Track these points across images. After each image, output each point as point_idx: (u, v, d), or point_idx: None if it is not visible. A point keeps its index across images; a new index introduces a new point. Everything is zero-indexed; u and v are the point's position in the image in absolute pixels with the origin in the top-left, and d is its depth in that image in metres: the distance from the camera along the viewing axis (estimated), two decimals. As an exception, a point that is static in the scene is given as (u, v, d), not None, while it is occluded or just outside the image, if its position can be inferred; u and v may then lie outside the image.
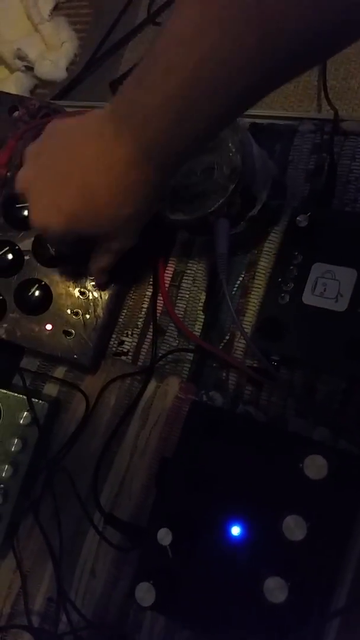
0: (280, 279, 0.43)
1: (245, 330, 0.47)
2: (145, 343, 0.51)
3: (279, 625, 0.34)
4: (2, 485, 0.48)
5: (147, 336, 0.51)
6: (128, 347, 0.52)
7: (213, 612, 0.36)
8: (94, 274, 0.48)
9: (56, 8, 0.74)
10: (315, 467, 0.35)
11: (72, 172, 0.37)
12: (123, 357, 0.51)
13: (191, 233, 0.49)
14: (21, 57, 0.71)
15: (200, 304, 0.49)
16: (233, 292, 0.48)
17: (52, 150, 0.39)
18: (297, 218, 0.42)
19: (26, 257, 0.51)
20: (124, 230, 0.40)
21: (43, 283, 0.50)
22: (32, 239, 0.51)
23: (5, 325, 0.50)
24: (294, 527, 0.34)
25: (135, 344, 0.51)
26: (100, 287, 0.50)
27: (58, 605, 0.47)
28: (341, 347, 0.40)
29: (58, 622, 0.47)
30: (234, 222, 0.43)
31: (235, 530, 0.37)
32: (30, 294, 0.50)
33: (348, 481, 0.35)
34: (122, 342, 0.52)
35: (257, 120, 0.51)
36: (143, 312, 0.52)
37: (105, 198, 0.36)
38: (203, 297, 0.50)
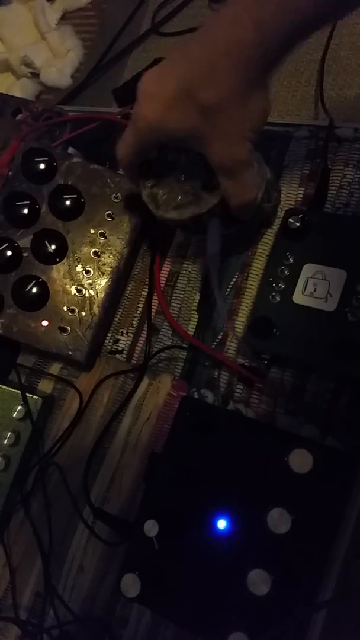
0: (271, 279, 0.44)
1: (238, 330, 0.48)
2: (140, 342, 0.52)
3: (262, 618, 0.34)
4: (-6, 479, 0.49)
5: (142, 335, 0.52)
6: (123, 346, 0.52)
7: (197, 605, 0.37)
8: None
9: (63, 17, 0.77)
10: (300, 461, 0.35)
11: (175, 58, 0.37)
12: (118, 356, 0.52)
13: (184, 232, 0.50)
14: (27, 64, 0.73)
15: (195, 304, 0.50)
16: (227, 293, 0.49)
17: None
18: (289, 220, 0.43)
19: (24, 254, 0.52)
20: (216, 129, 0.37)
21: (40, 280, 0.51)
22: (31, 236, 0.52)
23: (2, 320, 0.51)
24: (279, 520, 0.35)
25: (130, 342, 0.52)
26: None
27: (45, 599, 0.47)
28: (330, 346, 0.40)
29: (45, 616, 0.47)
30: (227, 223, 0.43)
31: (222, 524, 0.37)
32: (27, 290, 0.50)
33: (333, 475, 0.35)
34: (117, 341, 0.53)
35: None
36: (138, 312, 0.53)
37: (202, 70, 0.35)
38: (197, 297, 0.50)
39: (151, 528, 0.38)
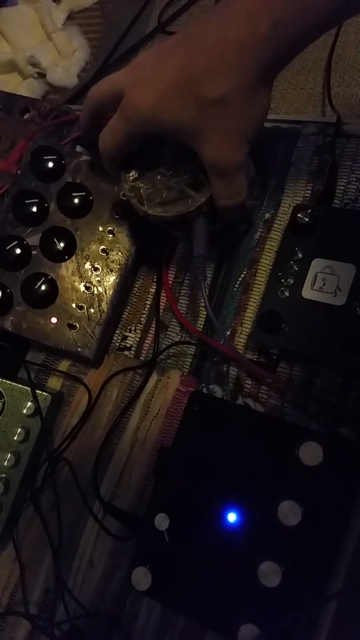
0: (280, 274, 0.44)
1: (246, 326, 0.48)
2: (148, 338, 0.52)
3: (273, 609, 0.34)
4: (3, 475, 0.49)
5: (150, 332, 0.52)
6: (131, 343, 0.53)
7: (208, 597, 0.37)
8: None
9: (69, 17, 0.77)
10: (310, 453, 0.35)
11: (177, 44, 0.35)
12: (126, 352, 0.52)
13: (165, 227, 0.47)
14: (34, 64, 0.73)
15: (203, 301, 0.50)
16: (235, 289, 0.49)
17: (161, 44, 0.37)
18: (299, 215, 0.43)
19: (34, 252, 0.52)
20: (216, 126, 0.35)
21: (49, 277, 0.51)
22: (40, 234, 0.52)
23: (11, 318, 0.51)
24: (289, 512, 0.35)
25: (138, 339, 0.52)
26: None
27: (56, 594, 0.47)
28: (339, 340, 0.41)
29: (55, 611, 0.47)
30: (211, 220, 0.42)
31: (232, 517, 0.37)
32: (36, 287, 0.51)
33: (343, 467, 0.35)
34: (125, 338, 0.53)
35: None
36: (146, 309, 0.53)
37: (207, 60, 0.33)
38: (206, 293, 0.50)
39: (162, 521, 0.38)
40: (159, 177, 0.41)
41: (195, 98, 0.34)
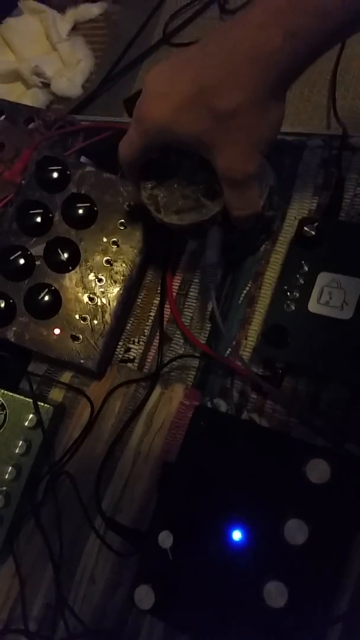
0: (286, 287, 0.43)
1: (251, 339, 0.48)
2: (152, 351, 0.52)
3: (279, 630, 0.33)
4: (4, 488, 0.48)
5: (154, 344, 0.52)
6: (134, 355, 0.52)
7: (212, 617, 0.36)
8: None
9: (74, 28, 0.77)
10: (317, 471, 0.35)
11: (191, 57, 0.35)
12: (129, 364, 0.52)
13: (181, 235, 0.48)
14: (38, 74, 0.73)
15: (208, 312, 0.50)
16: (240, 302, 0.49)
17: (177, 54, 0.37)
18: (305, 228, 0.43)
19: (37, 263, 0.52)
20: (229, 137, 0.35)
21: (53, 288, 0.51)
22: (44, 244, 0.52)
23: (14, 328, 0.51)
24: (296, 531, 0.34)
25: (141, 351, 0.52)
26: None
27: (56, 610, 0.46)
28: (346, 355, 0.40)
29: (56, 628, 0.46)
30: (227, 230, 0.42)
31: (237, 535, 0.37)
32: (40, 298, 0.50)
33: (351, 485, 0.35)
34: (128, 349, 0.52)
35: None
36: (150, 320, 0.53)
37: (220, 73, 0.33)
38: (211, 306, 0.50)
39: (165, 539, 0.38)
40: (176, 185, 0.42)
41: (209, 110, 0.34)
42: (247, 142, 0.36)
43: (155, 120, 0.37)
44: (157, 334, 0.51)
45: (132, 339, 0.53)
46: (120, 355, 0.52)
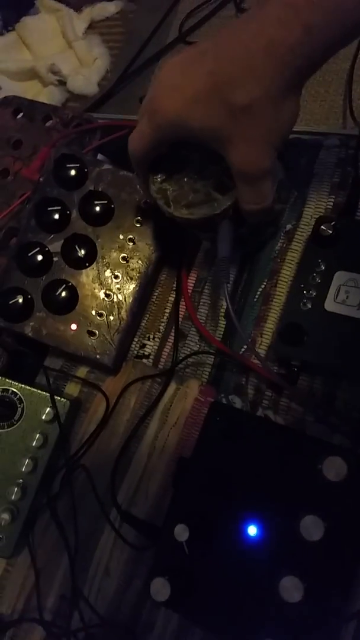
0: (302, 286, 0.44)
1: (266, 337, 0.48)
2: (167, 347, 0.52)
3: (294, 625, 0.34)
4: (21, 480, 0.49)
5: (169, 340, 0.52)
6: (149, 351, 0.53)
7: (227, 611, 0.36)
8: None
9: (90, 27, 0.78)
10: (334, 468, 0.35)
11: (206, 50, 0.34)
12: (144, 360, 0.52)
13: (191, 229, 0.48)
14: (55, 72, 0.74)
15: (222, 310, 0.51)
16: (255, 299, 0.49)
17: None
18: (322, 227, 0.43)
19: (55, 259, 0.52)
20: (243, 132, 0.35)
21: (70, 284, 0.51)
22: (62, 241, 0.52)
23: (32, 323, 0.51)
24: (312, 528, 0.35)
25: (156, 347, 0.52)
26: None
27: (71, 601, 0.47)
28: (362, 354, 0.40)
29: (71, 618, 0.47)
30: (237, 224, 0.42)
31: (252, 530, 0.37)
32: (57, 294, 0.51)
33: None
34: (143, 346, 0.53)
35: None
36: (165, 317, 0.53)
37: (236, 67, 0.33)
38: (225, 303, 0.51)
39: (181, 532, 0.38)
40: (185, 179, 0.42)
41: (224, 105, 0.34)
42: (262, 138, 0.35)
43: (168, 114, 0.36)
44: (173, 330, 0.52)
45: (148, 335, 0.53)
46: (135, 351, 0.53)
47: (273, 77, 0.33)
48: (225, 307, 0.50)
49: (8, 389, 0.51)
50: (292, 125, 0.37)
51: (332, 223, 0.43)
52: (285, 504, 0.37)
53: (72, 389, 0.54)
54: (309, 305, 0.43)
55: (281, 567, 0.35)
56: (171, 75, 0.36)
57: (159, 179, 0.43)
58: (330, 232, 0.43)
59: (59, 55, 0.75)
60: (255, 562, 0.36)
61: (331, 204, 0.49)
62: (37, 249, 0.52)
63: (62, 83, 0.74)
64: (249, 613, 0.36)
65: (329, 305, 0.43)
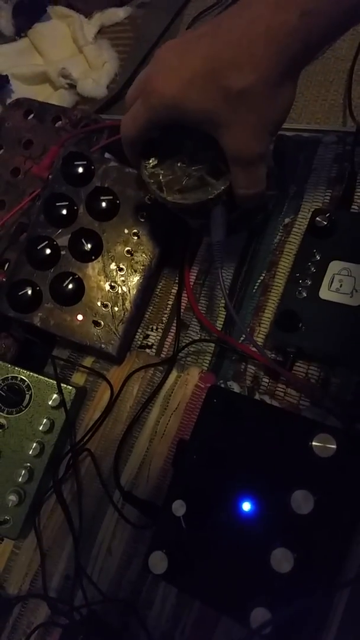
0: (298, 275, 0.45)
1: (264, 326, 0.50)
2: (169, 337, 0.54)
3: (285, 594, 0.35)
4: (28, 464, 0.51)
5: (171, 331, 0.54)
6: (153, 341, 0.54)
7: (222, 582, 0.38)
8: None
9: (100, 32, 0.80)
10: (323, 445, 0.37)
11: (204, 34, 0.34)
12: (147, 350, 0.54)
13: (183, 215, 0.47)
14: (65, 76, 0.76)
15: (223, 301, 0.52)
16: (254, 290, 0.51)
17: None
18: (317, 218, 0.45)
19: (62, 252, 0.55)
20: (239, 117, 0.35)
21: (77, 276, 0.54)
22: (69, 235, 0.55)
23: (40, 314, 0.54)
24: (302, 501, 0.36)
25: (159, 338, 0.54)
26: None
27: (75, 580, 0.49)
28: (354, 340, 0.42)
29: (74, 596, 0.49)
30: (229, 208, 0.42)
31: (247, 506, 0.39)
32: (64, 286, 0.53)
33: (355, 459, 0.36)
34: (147, 336, 0.55)
35: (283, 132, 0.54)
36: (168, 309, 0.55)
37: (233, 51, 0.33)
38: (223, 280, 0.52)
39: (179, 508, 0.40)
40: (178, 164, 0.42)
41: (220, 88, 0.34)
42: (258, 123, 0.35)
43: (163, 95, 0.36)
44: (175, 321, 0.54)
45: (151, 326, 0.55)
46: (139, 342, 0.55)
47: (269, 62, 0.33)
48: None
49: (17, 376, 0.53)
50: (287, 111, 0.37)
51: (327, 215, 0.45)
52: (278, 480, 0.38)
53: (79, 378, 0.56)
54: (305, 294, 0.45)
55: (273, 540, 0.36)
56: (168, 58, 0.36)
57: (151, 164, 0.43)
58: (325, 223, 0.45)
59: (69, 60, 0.78)
60: (249, 536, 0.38)
61: (328, 197, 0.50)
62: (46, 242, 0.54)
63: (72, 86, 0.77)
64: (242, 584, 0.37)
65: (324, 293, 0.44)
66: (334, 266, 0.44)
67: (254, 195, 0.40)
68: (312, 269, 0.45)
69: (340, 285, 0.44)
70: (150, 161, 0.43)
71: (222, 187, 0.40)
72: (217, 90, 0.34)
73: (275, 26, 0.32)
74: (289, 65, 0.34)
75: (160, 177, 0.42)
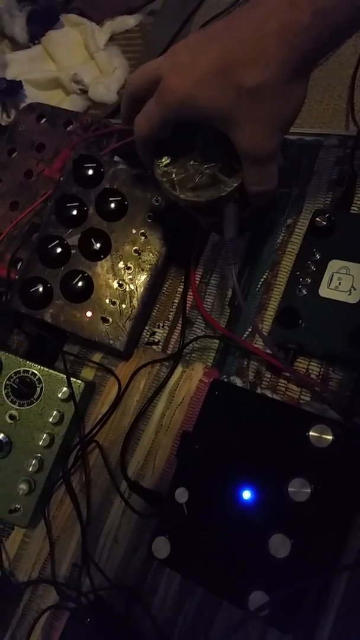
0: (299, 273, 0.47)
1: (267, 323, 0.51)
2: (175, 334, 0.56)
3: (282, 578, 0.37)
4: (38, 454, 0.53)
5: (177, 328, 0.56)
6: (159, 338, 0.56)
7: (222, 567, 0.40)
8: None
9: (111, 39, 0.83)
10: (320, 435, 0.38)
11: (217, 32, 0.35)
12: (154, 347, 0.56)
13: (195, 214, 0.48)
14: (77, 81, 0.79)
15: (227, 299, 0.54)
16: (257, 289, 0.53)
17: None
18: (317, 218, 0.47)
19: (73, 251, 0.57)
20: (251, 114, 0.35)
21: (86, 274, 0.56)
22: (79, 235, 0.57)
23: (51, 310, 0.56)
24: (299, 490, 0.38)
25: (165, 335, 0.56)
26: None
27: (82, 567, 0.50)
28: (353, 336, 0.43)
29: (82, 583, 0.50)
30: (241, 206, 0.43)
31: (246, 494, 0.40)
32: (74, 283, 0.55)
33: (351, 450, 0.38)
34: (153, 333, 0.57)
35: (286, 136, 0.56)
36: (174, 307, 0.57)
37: (246, 49, 0.34)
38: (230, 293, 0.54)
39: (181, 495, 0.42)
40: (191, 162, 0.43)
41: (233, 86, 0.34)
42: (270, 120, 0.36)
43: (177, 93, 0.36)
44: (181, 319, 0.55)
45: (158, 323, 0.57)
46: (146, 339, 0.57)
47: (282, 60, 0.34)
48: (229, 296, 0.54)
49: (28, 370, 0.55)
50: (299, 108, 0.38)
51: (327, 215, 0.46)
52: (276, 470, 0.40)
53: (88, 373, 0.58)
54: (305, 292, 0.46)
55: (271, 527, 0.38)
56: (182, 56, 0.37)
57: (163, 163, 0.44)
58: (325, 223, 0.46)
59: (81, 66, 0.80)
60: (248, 522, 0.40)
61: (329, 199, 0.52)
62: (57, 242, 0.56)
63: (84, 92, 0.79)
64: (241, 569, 0.39)
65: (323, 291, 0.46)
66: (333, 265, 0.46)
67: (266, 192, 0.41)
68: (312, 267, 0.47)
69: (339, 284, 0.45)
70: (163, 160, 0.44)
71: (235, 185, 0.41)
72: (230, 88, 0.35)
73: (288, 24, 0.33)
74: (301, 63, 0.34)
75: (173, 176, 0.43)
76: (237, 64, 0.34)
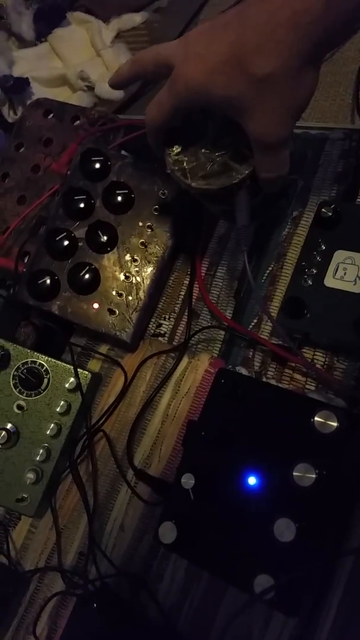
0: (304, 264, 0.47)
1: (272, 314, 0.52)
2: (181, 326, 0.56)
3: (287, 562, 0.37)
4: (46, 444, 0.54)
5: (183, 320, 0.56)
6: (165, 330, 0.57)
7: (227, 552, 0.40)
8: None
9: (117, 36, 0.83)
10: (325, 421, 0.39)
11: (230, 20, 0.35)
12: (160, 338, 0.57)
13: (206, 202, 0.48)
14: (84, 78, 0.79)
15: (233, 291, 0.54)
16: (262, 281, 0.53)
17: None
18: (322, 209, 0.47)
19: (80, 244, 0.57)
20: (263, 102, 0.36)
21: (93, 267, 0.56)
22: (86, 227, 0.57)
23: (58, 302, 0.56)
24: (304, 474, 0.38)
25: (171, 326, 0.57)
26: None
27: (88, 555, 0.51)
28: (358, 325, 0.44)
29: (88, 570, 0.51)
30: (253, 193, 0.43)
31: (252, 480, 0.41)
32: (81, 275, 0.56)
33: (356, 436, 0.38)
34: (159, 325, 0.57)
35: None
36: (180, 299, 0.57)
37: (258, 37, 0.34)
38: (235, 285, 0.55)
39: (188, 480, 0.42)
40: (202, 150, 0.43)
41: (245, 74, 0.35)
42: (281, 107, 0.36)
43: (189, 81, 0.37)
44: (187, 311, 0.56)
45: (164, 315, 0.57)
46: (152, 330, 0.57)
47: (294, 49, 0.34)
48: (235, 288, 0.54)
49: (36, 361, 0.55)
50: (310, 96, 0.38)
51: (332, 206, 0.47)
52: (281, 456, 0.40)
53: (94, 364, 0.59)
54: (310, 282, 0.47)
55: (276, 511, 0.38)
56: (195, 44, 0.37)
57: (174, 151, 0.44)
58: (330, 214, 0.47)
59: (87, 63, 0.81)
60: (253, 508, 0.40)
61: (335, 191, 0.53)
62: (64, 234, 0.57)
63: (90, 89, 0.80)
64: (247, 553, 0.39)
65: (328, 281, 0.46)
66: (339, 255, 0.46)
67: (277, 179, 0.42)
68: (318, 258, 0.47)
69: (345, 274, 0.46)
70: (174, 148, 0.44)
71: (246, 172, 0.41)
72: (242, 76, 0.35)
73: (299, 13, 0.33)
74: (311, 52, 0.35)
75: (185, 164, 0.43)
76: (249, 52, 0.35)
